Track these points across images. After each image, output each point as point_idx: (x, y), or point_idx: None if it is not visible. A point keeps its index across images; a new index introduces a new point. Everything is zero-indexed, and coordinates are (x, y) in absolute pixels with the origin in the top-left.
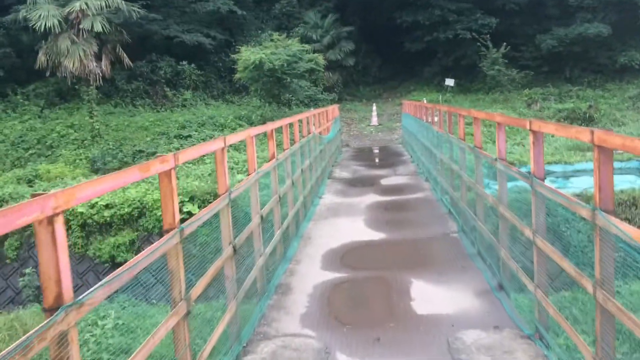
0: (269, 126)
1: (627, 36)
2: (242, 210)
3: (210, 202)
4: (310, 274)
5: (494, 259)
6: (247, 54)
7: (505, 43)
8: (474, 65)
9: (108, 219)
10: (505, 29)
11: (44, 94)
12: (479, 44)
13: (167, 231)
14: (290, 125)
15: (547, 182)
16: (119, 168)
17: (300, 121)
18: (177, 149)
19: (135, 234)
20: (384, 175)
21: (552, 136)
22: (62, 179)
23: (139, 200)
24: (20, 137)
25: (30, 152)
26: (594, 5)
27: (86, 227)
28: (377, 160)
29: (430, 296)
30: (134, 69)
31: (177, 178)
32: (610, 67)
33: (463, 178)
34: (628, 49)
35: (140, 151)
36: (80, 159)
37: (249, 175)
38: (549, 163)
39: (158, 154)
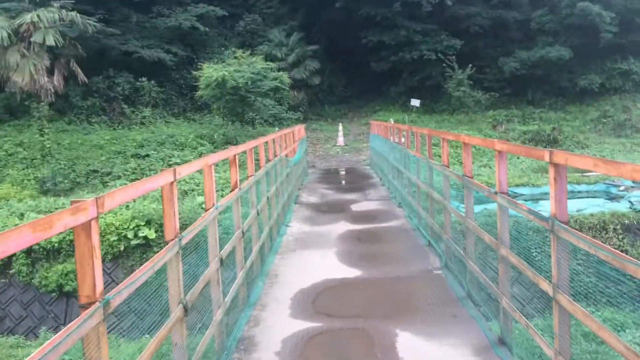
0: (232, 151)
1: (588, 59)
2: (198, 253)
3: None
4: (278, 324)
5: (491, 307)
6: (209, 71)
7: (470, 65)
8: (438, 86)
9: (56, 244)
10: (470, 50)
11: None
12: (444, 64)
13: (84, 307)
14: (255, 148)
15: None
16: (71, 189)
17: (266, 144)
18: (134, 169)
19: None
20: (354, 200)
21: (518, 157)
22: (7, 200)
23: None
24: None
25: None
26: (555, 29)
27: (32, 254)
28: (345, 183)
29: (420, 355)
30: (90, 85)
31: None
32: (571, 90)
33: (447, 209)
34: (588, 72)
35: (95, 171)
36: (29, 180)
37: (206, 211)
38: (517, 185)
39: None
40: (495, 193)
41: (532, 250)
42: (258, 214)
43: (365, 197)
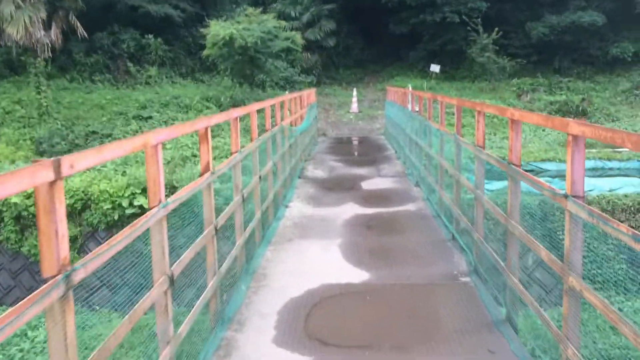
0: (203, 122)
1: (621, 26)
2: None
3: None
4: (255, 356)
5: (549, 348)
6: (217, 29)
7: (497, 28)
8: (460, 51)
9: None
10: (495, 14)
11: None
12: (468, 28)
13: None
14: (242, 119)
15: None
16: (69, 151)
17: (260, 111)
18: (135, 131)
19: (78, 229)
20: (365, 176)
21: (543, 130)
22: None
23: (82, 191)
24: None
25: None
26: None
27: (21, 220)
28: (357, 154)
29: None
30: (94, 40)
31: (129, 165)
32: (601, 58)
33: (480, 202)
34: (621, 40)
35: (94, 132)
36: (25, 140)
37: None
38: (542, 160)
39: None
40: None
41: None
42: (243, 200)
43: (378, 173)
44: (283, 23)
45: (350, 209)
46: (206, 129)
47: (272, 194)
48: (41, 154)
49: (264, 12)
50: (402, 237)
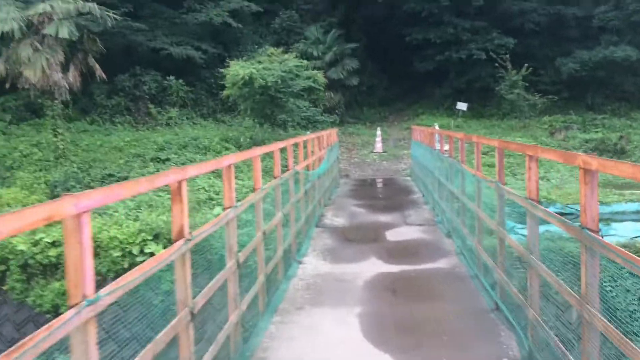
0: (176, 174)
1: None
2: None
3: None
4: None
5: None
6: (236, 69)
7: (527, 64)
8: (487, 88)
9: (54, 259)
10: (523, 50)
11: (12, 108)
12: (496, 65)
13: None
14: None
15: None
16: None
17: (267, 155)
18: (152, 174)
19: None
20: (390, 224)
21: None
22: (9, 206)
23: (91, 238)
24: None
25: None
26: (620, 27)
27: (27, 269)
28: (381, 198)
29: None
30: (115, 83)
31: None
32: (636, 94)
33: (537, 270)
34: None
35: (111, 175)
36: (39, 183)
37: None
38: (574, 202)
39: None
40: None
41: None
42: (239, 266)
43: (404, 220)
44: (305, 62)
45: (373, 266)
46: (179, 182)
47: (282, 249)
48: (55, 197)
49: (286, 51)
50: (435, 305)
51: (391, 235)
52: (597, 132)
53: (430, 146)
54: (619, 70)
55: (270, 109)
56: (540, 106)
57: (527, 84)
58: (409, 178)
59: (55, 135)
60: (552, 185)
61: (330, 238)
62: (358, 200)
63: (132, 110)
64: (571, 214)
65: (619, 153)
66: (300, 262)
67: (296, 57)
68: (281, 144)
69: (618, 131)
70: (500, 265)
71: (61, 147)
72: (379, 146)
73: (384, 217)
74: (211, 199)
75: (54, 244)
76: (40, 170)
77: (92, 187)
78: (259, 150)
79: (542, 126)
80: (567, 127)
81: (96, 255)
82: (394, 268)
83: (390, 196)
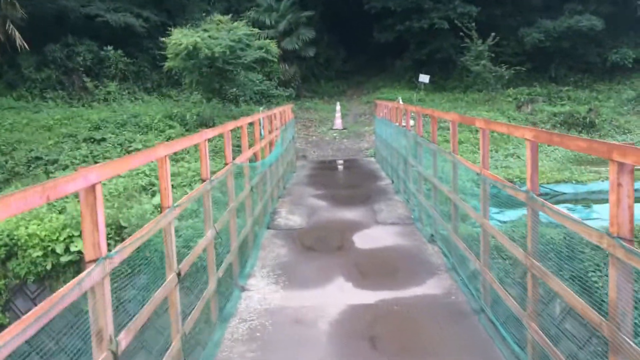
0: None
1: (620, 31)
2: None
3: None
4: None
5: None
6: (179, 37)
7: (493, 34)
8: (449, 59)
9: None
10: (486, 20)
11: None
12: (461, 33)
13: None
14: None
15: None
16: (7, 181)
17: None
18: (85, 156)
19: (2, 282)
20: (358, 224)
21: (548, 145)
22: None
23: (7, 235)
24: None
25: None
26: None
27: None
28: (344, 186)
29: None
30: (46, 53)
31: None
32: (599, 65)
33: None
34: (620, 46)
35: (38, 158)
36: None
37: None
38: (557, 182)
39: None
40: None
41: None
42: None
43: (374, 218)
44: (256, 31)
45: (341, 294)
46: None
47: (215, 281)
48: None
49: (235, 19)
50: None
51: (361, 241)
52: (563, 104)
53: (398, 124)
54: (583, 41)
55: (218, 83)
56: (508, 78)
57: (493, 55)
58: (373, 159)
59: None
60: (523, 163)
61: (284, 246)
62: (317, 190)
63: (65, 84)
64: (546, 194)
65: (589, 127)
66: (243, 288)
67: (247, 25)
68: (210, 133)
69: (584, 104)
70: (533, 316)
71: None
72: (338, 122)
73: (349, 213)
74: (152, 184)
75: None
76: None
77: (16, 172)
78: (170, 146)
79: (506, 99)
80: (532, 100)
81: (13, 255)
82: (369, 297)
83: (355, 184)
